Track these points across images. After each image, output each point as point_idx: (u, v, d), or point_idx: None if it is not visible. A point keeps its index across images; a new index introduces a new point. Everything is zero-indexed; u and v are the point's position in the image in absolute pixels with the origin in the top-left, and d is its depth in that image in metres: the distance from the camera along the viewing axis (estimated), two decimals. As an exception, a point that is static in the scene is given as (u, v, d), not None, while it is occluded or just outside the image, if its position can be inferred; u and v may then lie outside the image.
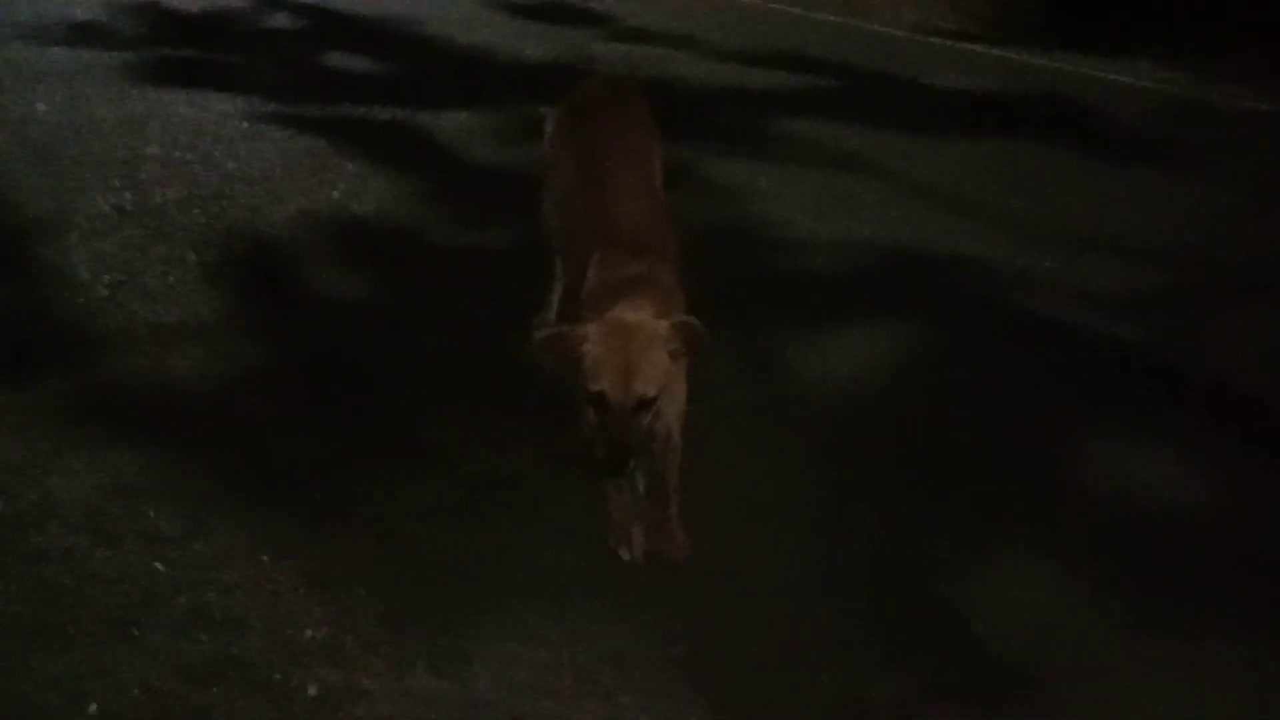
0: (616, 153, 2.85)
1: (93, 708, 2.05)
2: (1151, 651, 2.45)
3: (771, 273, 4.09)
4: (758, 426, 3.11)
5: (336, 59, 6.39)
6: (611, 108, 3.07)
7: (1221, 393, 3.50)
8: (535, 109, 3.22)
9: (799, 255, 4.26)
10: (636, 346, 2.29)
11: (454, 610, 2.38)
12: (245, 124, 5.11)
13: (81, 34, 6.29)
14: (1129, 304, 4.07)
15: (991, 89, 6.80)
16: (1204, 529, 2.87)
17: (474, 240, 4.11)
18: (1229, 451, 3.18)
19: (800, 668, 2.33)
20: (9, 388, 2.94)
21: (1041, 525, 2.84)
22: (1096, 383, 3.52)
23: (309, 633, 2.29)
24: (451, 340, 3.41)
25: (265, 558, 2.47)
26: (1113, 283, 4.22)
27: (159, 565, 2.40)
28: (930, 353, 3.62)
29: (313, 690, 2.15)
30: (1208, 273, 4.40)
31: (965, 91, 6.72)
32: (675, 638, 2.37)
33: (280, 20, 7.19)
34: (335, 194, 4.45)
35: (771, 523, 2.73)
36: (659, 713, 2.20)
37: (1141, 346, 3.76)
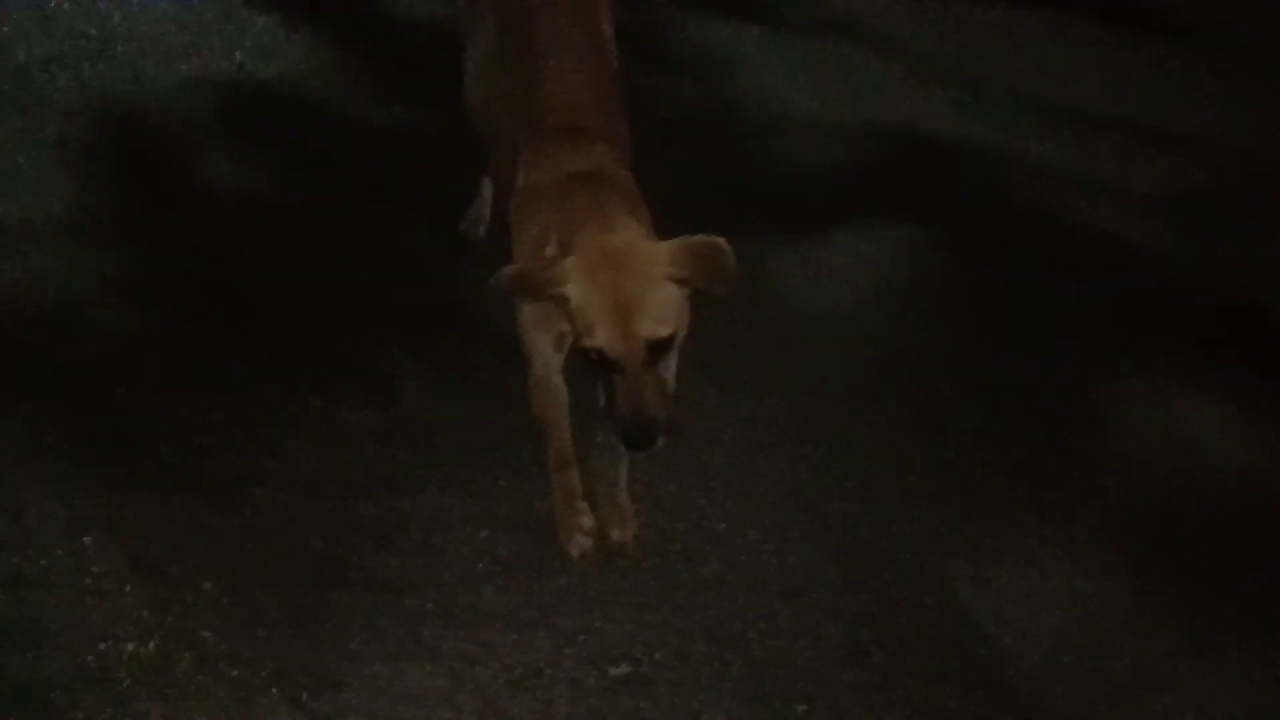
0: (551, 6, 2.18)
1: None
2: (1203, 662, 1.97)
3: (755, 162, 3.47)
4: (732, 362, 2.54)
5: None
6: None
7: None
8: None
9: (788, 140, 3.63)
10: (632, 277, 1.74)
11: (325, 616, 1.86)
12: (140, -32, 4.33)
13: None
14: (1168, 206, 3.50)
15: (1010, -54, 6.01)
16: (1266, 497, 2.35)
17: (399, 118, 3.44)
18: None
19: (768, 694, 1.82)
20: None
21: (1062, 489, 2.33)
22: (1131, 304, 2.95)
23: (130, 646, 1.76)
24: (355, 251, 2.79)
25: (88, 539, 1.92)
26: (1147, 180, 3.64)
27: (-61, 554, 1.84)
28: (935, 265, 3.04)
29: (124, 735, 1.63)
30: (1261, 171, 3.78)
31: (980, -51, 5.92)
32: (613, 653, 1.85)
33: None
34: (238, 55, 3.73)
35: (736, 494, 2.19)
36: (588, 755, 1.70)
37: (1182, 259, 3.20)
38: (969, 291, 2.93)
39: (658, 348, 1.75)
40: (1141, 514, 2.28)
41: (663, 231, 1.90)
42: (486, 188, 2.80)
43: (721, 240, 1.76)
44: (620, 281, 1.74)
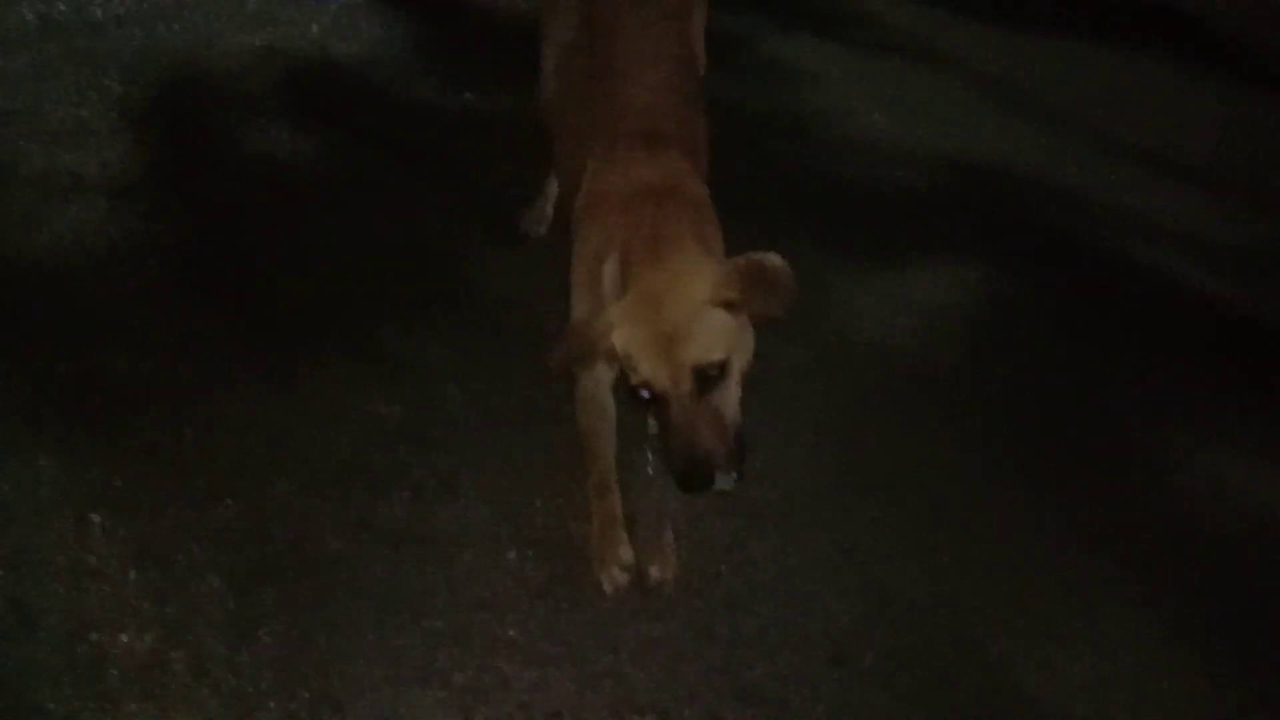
0: (639, 1, 2.05)
1: None
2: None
3: (828, 181, 3.29)
4: (791, 393, 2.37)
5: None
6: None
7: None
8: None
9: (863, 162, 3.45)
10: (675, 306, 1.64)
11: (333, 627, 1.71)
12: (225, -67, 4.26)
13: None
14: (1252, 265, 3.27)
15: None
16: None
17: (470, 106, 3.32)
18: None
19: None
20: None
21: (1119, 551, 2.13)
22: (1206, 362, 2.74)
23: (125, 639, 1.64)
24: (406, 240, 2.65)
25: (95, 517, 1.80)
26: (1234, 236, 3.41)
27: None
28: (1007, 305, 2.84)
29: (105, 739, 1.50)
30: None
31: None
32: (639, 702, 1.69)
33: None
34: (315, 29, 3.64)
35: (787, 539, 2.02)
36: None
37: (1264, 321, 2.97)
38: (1029, 330, 2.73)
39: (708, 376, 1.62)
40: (1195, 571, 2.08)
41: (731, 246, 1.77)
42: (551, 186, 2.68)
43: (774, 257, 1.62)
44: (664, 313, 1.63)
